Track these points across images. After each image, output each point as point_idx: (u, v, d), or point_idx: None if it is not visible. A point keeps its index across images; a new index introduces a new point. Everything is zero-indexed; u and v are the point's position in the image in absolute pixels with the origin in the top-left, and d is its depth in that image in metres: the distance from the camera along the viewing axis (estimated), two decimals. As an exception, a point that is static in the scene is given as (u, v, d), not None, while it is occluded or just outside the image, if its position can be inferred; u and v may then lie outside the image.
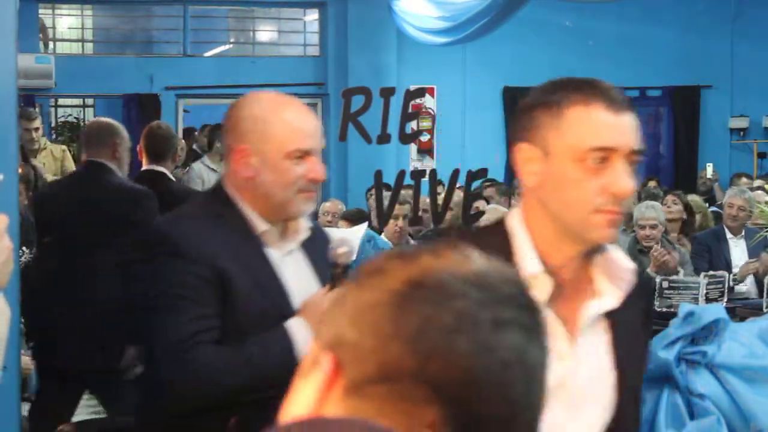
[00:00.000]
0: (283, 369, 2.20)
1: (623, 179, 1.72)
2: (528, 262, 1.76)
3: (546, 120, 1.75)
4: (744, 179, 10.51)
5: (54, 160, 8.16)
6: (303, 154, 2.42)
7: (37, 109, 11.90)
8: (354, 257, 2.47)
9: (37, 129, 8.14)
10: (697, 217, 8.47)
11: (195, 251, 2.30)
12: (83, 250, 4.67)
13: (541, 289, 1.72)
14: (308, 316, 2.34)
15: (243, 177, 2.43)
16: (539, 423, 0.91)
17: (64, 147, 8.49)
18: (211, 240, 2.34)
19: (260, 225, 2.43)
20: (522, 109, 1.81)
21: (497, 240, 1.76)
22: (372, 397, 0.88)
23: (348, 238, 2.48)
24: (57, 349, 4.68)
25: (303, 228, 2.49)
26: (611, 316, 1.80)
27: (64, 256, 4.70)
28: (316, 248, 2.48)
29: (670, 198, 7.99)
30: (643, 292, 1.92)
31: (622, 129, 1.73)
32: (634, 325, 1.85)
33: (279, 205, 2.42)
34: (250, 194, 2.43)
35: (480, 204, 7.29)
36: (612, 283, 1.79)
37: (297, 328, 2.32)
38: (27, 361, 4.61)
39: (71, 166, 8.00)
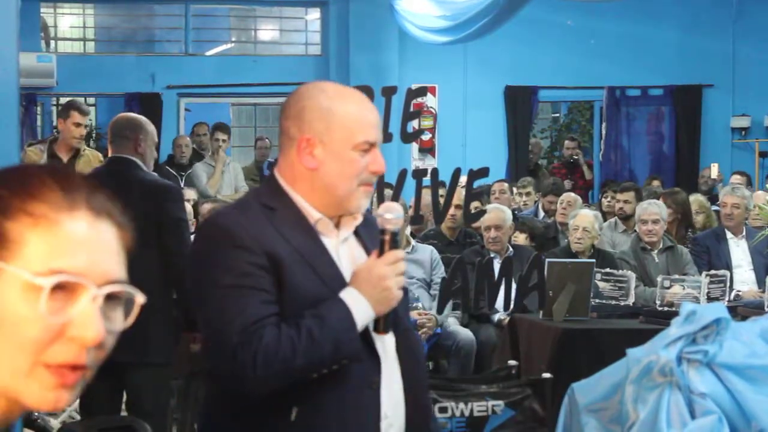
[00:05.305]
0: (343, 336, 2.30)
1: None
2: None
3: None
4: (737, 176, 10.40)
5: (91, 168, 7.83)
6: (369, 147, 2.42)
7: (38, 109, 11.95)
8: (401, 224, 2.46)
9: (80, 125, 7.38)
10: (701, 217, 8.44)
11: (250, 241, 2.30)
12: None
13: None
14: (359, 284, 2.35)
15: (305, 168, 2.41)
16: None
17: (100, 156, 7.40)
18: (265, 230, 2.34)
19: (314, 214, 2.42)
20: None
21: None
22: None
23: (395, 206, 2.45)
24: None
25: (358, 215, 2.50)
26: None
27: None
28: (370, 233, 2.48)
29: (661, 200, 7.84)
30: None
31: None
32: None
33: (340, 197, 2.41)
34: (309, 186, 2.42)
35: (479, 203, 7.29)
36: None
37: (350, 297, 2.34)
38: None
39: None
